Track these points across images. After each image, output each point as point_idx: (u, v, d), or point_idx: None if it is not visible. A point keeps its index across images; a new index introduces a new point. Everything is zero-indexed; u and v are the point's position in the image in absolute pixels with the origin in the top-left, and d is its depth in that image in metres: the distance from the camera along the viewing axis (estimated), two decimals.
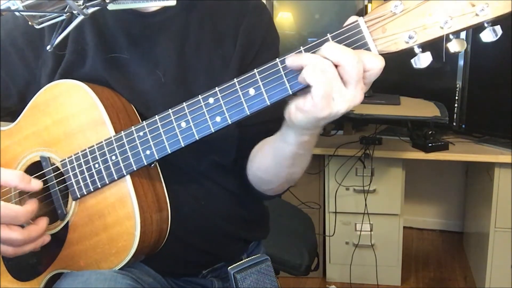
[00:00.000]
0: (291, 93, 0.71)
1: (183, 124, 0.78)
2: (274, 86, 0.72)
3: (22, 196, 0.92)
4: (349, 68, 0.65)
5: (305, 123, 0.71)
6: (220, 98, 0.75)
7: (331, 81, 0.66)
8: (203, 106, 0.77)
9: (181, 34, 0.93)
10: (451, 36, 0.64)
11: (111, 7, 0.74)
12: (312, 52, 0.69)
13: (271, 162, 0.87)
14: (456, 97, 2.22)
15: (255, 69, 0.73)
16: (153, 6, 0.92)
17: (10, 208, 0.80)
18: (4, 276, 0.95)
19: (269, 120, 0.87)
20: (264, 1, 1.05)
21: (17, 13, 0.72)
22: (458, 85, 2.21)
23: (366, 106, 2.17)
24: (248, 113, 0.74)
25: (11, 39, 0.96)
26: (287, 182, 0.92)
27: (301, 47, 0.70)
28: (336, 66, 0.66)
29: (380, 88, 2.28)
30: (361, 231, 2.37)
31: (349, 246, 2.41)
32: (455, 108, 2.23)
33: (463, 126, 2.24)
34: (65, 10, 0.73)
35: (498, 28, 0.62)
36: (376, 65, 0.66)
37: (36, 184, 0.85)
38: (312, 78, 0.66)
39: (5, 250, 0.83)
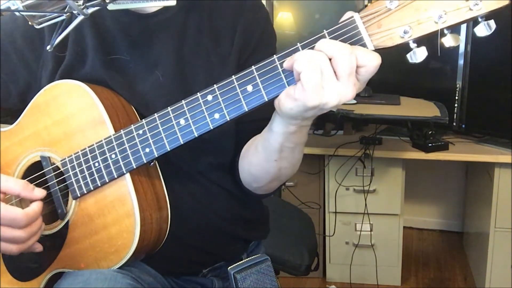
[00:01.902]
0: None
1: (182, 122, 0.79)
2: (272, 82, 0.73)
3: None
4: (341, 60, 0.66)
5: (294, 112, 0.71)
6: (218, 95, 0.76)
7: (321, 68, 0.66)
8: (202, 104, 0.77)
9: (179, 34, 0.94)
10: (445, 31, 0.64)
11: (111, 7, 0.75)
12: (308, 49, 0.70)
13: (260, 155, 0.87)
14: (456, 97, 2.22)
15: (253, 66, 0.73)
16: (153, 6, 0.92)
17: (9, 210, 0.80)
18: (4, 276, 0.95)
19: (262, 119, 0.87)
20: (264, 1, 1.05)
21: (17, 14, 0.72)
22: (458, 85, 2.21)
23: (366, 106, 2.18)
24: (247, 110, 0.75)
25: (11, 40, 0.96)
26: (277, 179, 0.91)
27: (298, 43, 0.71)
28: (330, 60, 0.67)
29: (380, 88, 2.28)
30: (361, 231, 2.37)
31: (349, 246, 2.41)
32: (455, 108, 2.24)
33: (463, 126, 2.24)
34: (65, 10, 0.73)
35: (492, 23, 0.63)
36: (371, 61, 0.66)
37: (39, 192, 0.85)
38: (301, 65, 0.67)
39: (10, 248, 0.82)
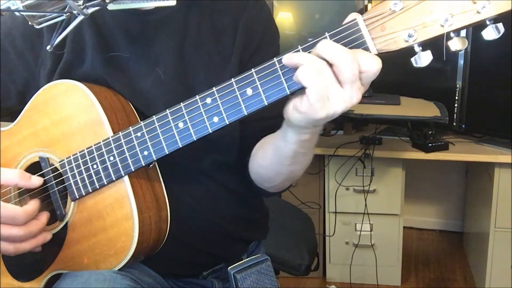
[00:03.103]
0: (288, 93, 0.71)
1: (181, 125, 0.78)
2: (271, 86, 0.71)
3: (22, 196, 0.92)
4: (343, 68, 0.64)
5: (304, 124, 0.71)
6: (217, 98, 0.75)
7: (326, 83, 0.65)
8: (201, 106, 0.76)
9: (180, 31, 0.93)
10: (452, 34, 0.63)
11: (111, 7, 0.74)
12: (308, 52, 0.68)
13: (272, 160, 0.86)
14: (456, 97, 2.22)
15: (252, 69, 0.72)
16: (153, 6, 0.92)
17: (8, 209, 0.80)
18: (4, 276, 0.95)
19: (270, 117, 0.86)
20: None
21: (16, 13, 0.72)
22: (458, 85, 2.21)
23: (366, 106, 2.17)
24: (246, 113, 0.74)
25: (10, 39, 0.95)
26: (288, 179, 0.91)
27: (299, 46, 0.69)
28: (331, 65, 0.65)
29: (380, 88, 2.28)
30: (361, 231, 2.37)
31: (349, 246, 2.41)
32: (455, 108, 2.23)
33: (463, 126, 2.24)
34: (65, 10, 0.73)
35: (500, 26, 0.61)
36: (372, 67, 0.65)
37: (36, 180, 0.86)
38: (306, 80, 0.66)
39: (7, 248, 0.83)
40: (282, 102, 0.73)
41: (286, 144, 0.79)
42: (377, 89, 2.30)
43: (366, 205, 2.29)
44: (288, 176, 0.89)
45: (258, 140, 0.94)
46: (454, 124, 2.25)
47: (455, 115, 2.24)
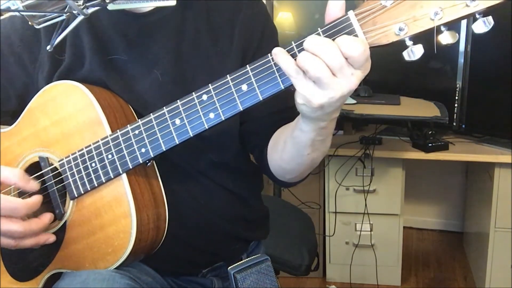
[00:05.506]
0: (283, 88, 0.72)
1: (178, 122, 0.79)
2: (266, 81, 0.72)
3: (22, 196, 0.92)
4: (325, 58, 0.65)
5: (309, 113, 0.72)
6: (213, 94, 0.76)
7: (303, 82, 0.68)
8: (197, 103, 0.77)
9: (177, 33, 0.93)
10: (442, 28, 0.64)
11: (111, 7, 0.74)
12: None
13: (291, 151, 0.85)
14: (456, 97, 2.22)
15: (247, 66, 0.73)
16: (153, 6, 0.92)
17: (9, 200, 0.81)
18: (4, 276, 0.95)
19: (281, 109, 0.87)
20: (264, 1, 1.04)
21: (16, 14, 0.72)
22: (458, 85, 2.21)
23: (366, 106, 2.17)
24: (241, 109, 0.75)
25: (9, 43, 0.96)
26: (309, 168, 0.91)
27: (293, 42, 0.70)
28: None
29: (380, 88, 2.28)
30: (361, 231, 2.36)
31: (349, 246, 2.41)
32: (455, 108, 2.23)
33: (463, 126, 2.23)
34: (65, 10, 0.73)
35: (490, 19, 0.62)
36: (354, 50, 0.64)
37: (33, 185, 0.86)
38: (291, 79, 0.69)
39: (7, 242, 0.83)
40: (291, 93, 0.73)
41: (303, 134, 0.79)
42: (377, 89, 2.29)
43: (366, 205, 2.29)
44: (309, 165, 0.89)
45: (272, 133, 0.93)
46: (454, 124, 2.24)
47: (455, 115, 2.23)
